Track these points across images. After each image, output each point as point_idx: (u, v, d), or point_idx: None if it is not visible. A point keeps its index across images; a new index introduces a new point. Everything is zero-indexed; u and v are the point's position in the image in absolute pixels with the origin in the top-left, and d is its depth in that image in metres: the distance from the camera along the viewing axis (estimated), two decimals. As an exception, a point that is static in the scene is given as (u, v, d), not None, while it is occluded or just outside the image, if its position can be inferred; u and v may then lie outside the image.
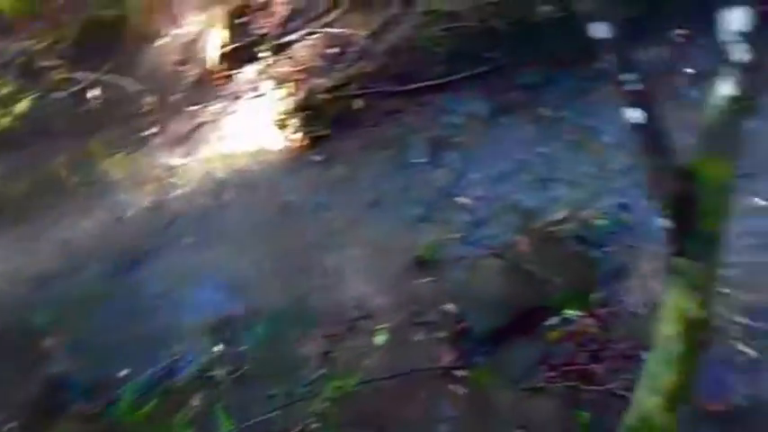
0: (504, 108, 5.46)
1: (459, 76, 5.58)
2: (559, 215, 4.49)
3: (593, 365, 3.77)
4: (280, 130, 5.53)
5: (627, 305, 4.00)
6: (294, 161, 5.40)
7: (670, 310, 2.62)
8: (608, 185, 4.59)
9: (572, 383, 3.70)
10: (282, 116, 5.54)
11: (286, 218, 5.01)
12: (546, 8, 5.35)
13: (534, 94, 5.47)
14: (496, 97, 5.54)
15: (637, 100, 2.39)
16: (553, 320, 3.96)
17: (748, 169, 4.55)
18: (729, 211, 2.52)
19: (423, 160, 5.25)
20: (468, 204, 4.83)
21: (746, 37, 2.28)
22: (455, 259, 4.43)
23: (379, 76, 5.61)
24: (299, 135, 5.47)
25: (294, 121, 5.50)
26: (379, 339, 4.01)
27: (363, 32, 5.75)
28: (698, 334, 2.59)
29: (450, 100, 5.58)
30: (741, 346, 3.67)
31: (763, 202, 4.33)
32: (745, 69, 2.32)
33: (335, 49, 5.78)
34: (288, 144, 5.48)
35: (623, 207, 4.41)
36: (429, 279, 4.36)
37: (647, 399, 2.70)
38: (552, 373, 3.77)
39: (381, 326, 4.08)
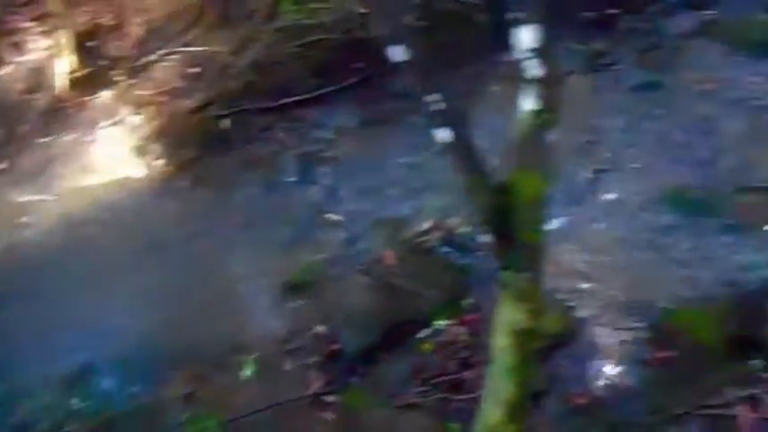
0: (375, 119, 5.44)
1: (328, 89, 5.51)
2: (426, 225, 4.51)
3: (464, 373, 3.79)
4: (141, 158, 5.24)
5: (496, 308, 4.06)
6: (159, 189, 5.13)
7: (502, 323, 2.64)
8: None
9: (443, 395, 3.70)
10: (143, 142, 5.26)
11: (151, 251, 4.75)
12: (413, 16, 5.36)
13: (405, 103, 5.47)
14: (367, 108, 5.51)
15: (443, 120, 2.38)
16: (425, 332, 3.96)
17: (604, 165, 4.84)
18: (545, 221, 2.57)
19: (294, 178, 5.14)
20: (340, 221, 4.76)
21: (538, 53, 2.32)
22: (327, 279, 4.34)
23: (246, 93, 5.45)
24: (163, 161, 5.21)
25: (156, 147, 5.23)
26: (247, 372, 3.86)
27: (225, 49, 5.56)
28: (529, 344, 2.62)
29: (320, 114, 5.49)
30: (601, 342, 3.81)
31: (611, 196, 4.53)
32: (543, 84, 2.36)
33: (197, 69, 5.55)
34: (151, 171, 5.20)
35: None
36: (301, 302, 4.25)
37: (491, 411, 2.72)
38: (424, 387, 3.76)
39: (250, 357, 3.93)
